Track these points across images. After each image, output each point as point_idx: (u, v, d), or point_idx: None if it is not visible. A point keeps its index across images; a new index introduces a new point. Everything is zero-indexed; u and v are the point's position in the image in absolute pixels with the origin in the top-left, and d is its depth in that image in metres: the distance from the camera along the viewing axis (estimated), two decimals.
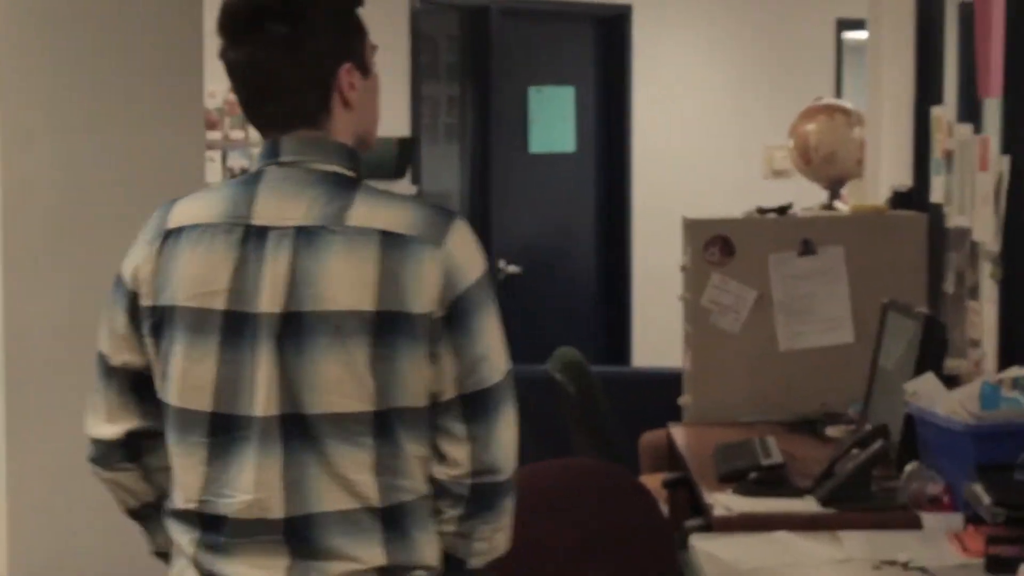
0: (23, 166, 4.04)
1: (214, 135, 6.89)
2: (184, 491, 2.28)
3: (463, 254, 2.25)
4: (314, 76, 2.28)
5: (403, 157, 7.48)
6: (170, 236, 2.28)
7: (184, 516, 2.29)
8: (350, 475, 2.20)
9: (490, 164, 8.29)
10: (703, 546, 3.23)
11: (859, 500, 3.47)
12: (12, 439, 4.03)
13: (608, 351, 8.65)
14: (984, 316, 4.23)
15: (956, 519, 3.26)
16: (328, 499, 2.21)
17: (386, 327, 2.18)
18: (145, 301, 2.29)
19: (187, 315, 2.25)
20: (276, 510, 2.21)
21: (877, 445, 3.51)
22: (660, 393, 5.21)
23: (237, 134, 7.07)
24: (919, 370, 3.72)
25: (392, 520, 2.23)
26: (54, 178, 4.09)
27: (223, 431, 2.23)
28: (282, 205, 2.24)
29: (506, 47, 8.32)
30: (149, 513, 2.43)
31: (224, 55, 2.30)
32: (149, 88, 4.22)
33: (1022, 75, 4.01)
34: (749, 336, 4.85)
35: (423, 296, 2.20)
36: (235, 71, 2.29)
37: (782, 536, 3.27)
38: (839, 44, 9.06)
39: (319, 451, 2.20)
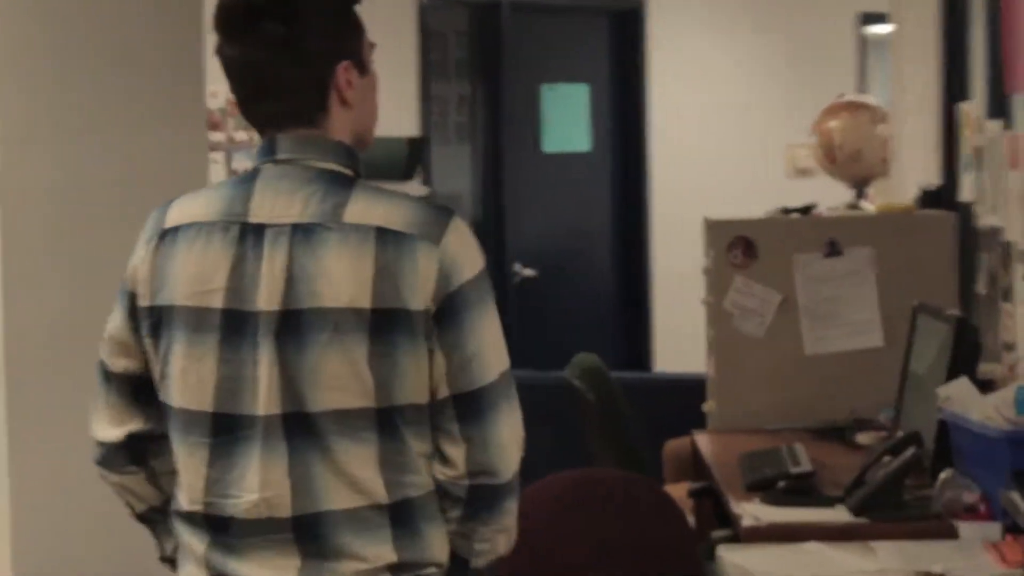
0: (23, 166, 4.07)
1: (217, 136, 6.93)
2: (188, 492, 2.30)
3: (460, 251, 2.26)
4: (311, 75, 2.30)
5: (412, 158, 7.47)
6: (167, 235, 2.31)
7: (190, 518, 2.31)
8: (355, 472, 2.23)
9: (502, 164, 8.29)
10: (731, 557, 3.21)
11: (892, 509, 3.43)
12: (14, 439, 4.06)
13: (628, 357, 8.66)
14: (1018, 319, 4.19)
15: (993, 528, 3.24)
16: (335, 497, 2.23)
17: (384, 324, 2.20)
18: (142, 301, 2.32)
19: (186, 314, 2.27)
20: (284, 509, 2.23)
21: (910, 452, 3.47)
22: (683, 399, 5.17)
23: (241, 135, 7.06)
24: (952, 375, 3.67)
25: (400, 516, 2.25)
26: (54, 178, 4.13)
27: (225, 431, 2.26)
28: (279, 202, 2.26)
29: (518, 43, 8.31)
30: (156, 518, 2.46)
31: (220, 53, 2.33)
32: (149, 88, 4.26)
33: None
34: (774, 340, 4.80)
35: (420, 293, 2.22)
36: (231, 69, 2.32)
37: (813, 547, 3.24)
38: (861, 38, 9.08)
39: (323, 448, 2.23)
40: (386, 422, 2.22)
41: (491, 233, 8.15)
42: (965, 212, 4.79)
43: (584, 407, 5.09)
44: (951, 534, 3.27)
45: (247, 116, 2.35)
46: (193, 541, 2.30)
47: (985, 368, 4.05)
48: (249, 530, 2.25)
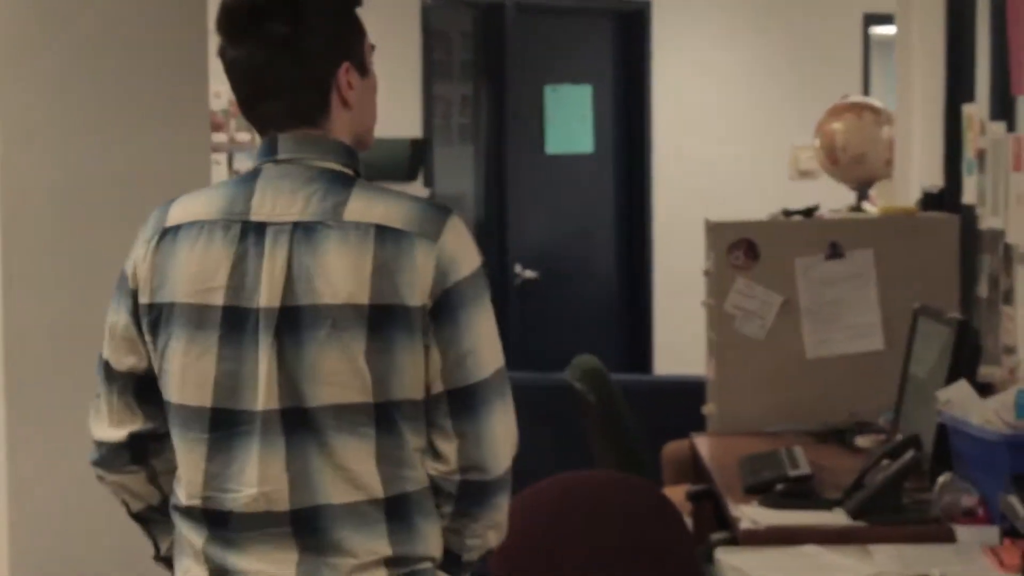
0: (23, 166, 4.07)
1: (220, 137, 6.93)
2: (187, 487, 2.32)
3: (457, 249, 2.28)
4: (312, 76, 2.32)
5: (415, 159, 7.49)
6: (167, 234, 2.33)
7: (189, 513, 2.33)
8: (353, 466, 2.25)
9: (505, 166, 8.28)
10: (729, 560, 3.23)
11: (890, 513, 3.43)
12: (13, 440, 4.06)
13: (629, 359, 8.64)
14: (1019, 322, 4.19)
15: (991, 532, 3.24)
16: (333, 491, 2.25)
17: (382, 320, 2.23)
18: (143, 299, 2.34)
19: (187, 311, 2.29)
20: (282, 503, 2.25)
21: (909, 456, 3.48)
22: (683, 402, 5.18)
23: (243, 136, 7.06)
24: (952, 378, 3.67)
25: (396, 510, 2.27)
26: (55, 178, 4.12)
27: (224, 426, 2.28)
28: (280, 201, 2.28)
29: (521, 44, 8.29)
30: (153, 516, 2.47)
31: (222, 54, 2.35)
32: (152, 88, 4.25)
33: None
34: (775, 343, 4.79)
35: (418, 289, 2.24)
36: (233, 70, 2.34)
37: (811, 550, 3.25)
38: (866, 40, 9.07)
39: (321, 443, 2.25)
40: (384, 417, 2.24)
41: (493, 235, 8.14)
42: (967, 214, 4.78)
43: (584, 409, 5.10)
44: (949, 538, 3.28)
45: (248, 116, 2.37)
46: (191, 535, 2.32)
47: (985, 371, 4.06)
48: (247, 524, 2.27)
